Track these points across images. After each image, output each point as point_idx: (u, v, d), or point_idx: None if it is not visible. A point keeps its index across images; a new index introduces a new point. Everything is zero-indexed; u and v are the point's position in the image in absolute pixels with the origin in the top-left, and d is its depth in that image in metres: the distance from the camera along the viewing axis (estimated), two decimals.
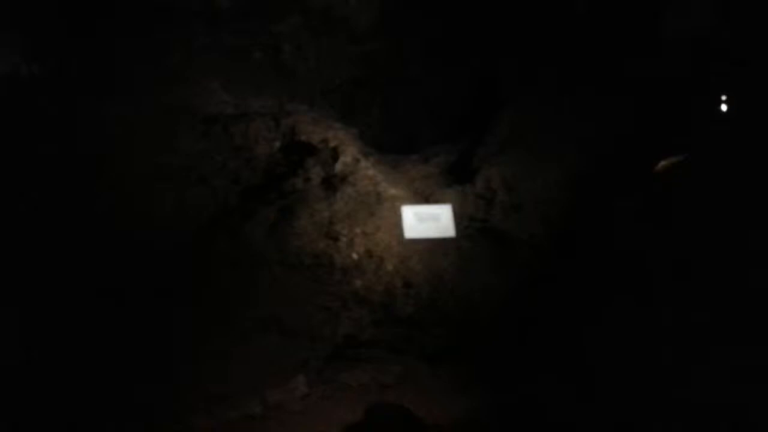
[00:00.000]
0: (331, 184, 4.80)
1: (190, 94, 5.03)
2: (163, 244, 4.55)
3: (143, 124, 4.75)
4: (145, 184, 4.70)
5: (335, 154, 4.91)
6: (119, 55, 4.96)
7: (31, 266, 4.39)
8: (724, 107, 4.82)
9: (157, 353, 4.12)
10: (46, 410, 3.87)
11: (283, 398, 4.15)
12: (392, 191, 4.81)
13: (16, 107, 4.48)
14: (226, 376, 4.12)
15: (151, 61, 5.03)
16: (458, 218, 4.77)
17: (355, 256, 4.60)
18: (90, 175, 4.64)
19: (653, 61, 5.11)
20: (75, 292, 4.36)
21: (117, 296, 4.41)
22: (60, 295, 4.34)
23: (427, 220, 4.73)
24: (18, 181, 4.53)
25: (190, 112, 4.98)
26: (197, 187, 4.76)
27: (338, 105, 5.51)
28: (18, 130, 4.48)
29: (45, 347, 4.13)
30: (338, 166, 4.86)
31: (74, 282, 4.40)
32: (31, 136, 4.51)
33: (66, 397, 3.92)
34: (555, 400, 4.17)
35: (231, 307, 4.39)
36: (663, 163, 4.66)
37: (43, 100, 4.62)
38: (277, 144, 5.04)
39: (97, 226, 4.62)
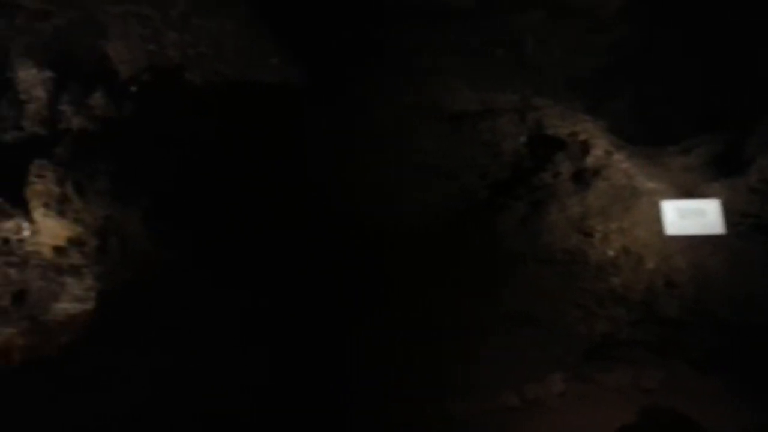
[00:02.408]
0: (583, 178, 4.80)
1: (437, 93, 5.32)
2: (418, 238, 4.85)
3: (396, 123, 5.11)
4: (398, 181, 5.06)
5: (585, 148, 4.90)
6: (370, 59, 5.38)
7: (294, 261, 4.86)
8: None
9: (416, 342, 4.40)
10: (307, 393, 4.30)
11: (541, 394, 4.20)
12: (649, 185, 4.67)
13: (285, 113, 5.03)
14: (482, 367, 4.27)
15: (401, 62, 5.39)
16: (727, 214, 4.49)
17: (611, 252, 4.55)
18: (347, 173, 5.10)
19: None
20: (332, 284, 4.77)
21: (368, 286, 4.77)
22: (316, 289, 4.77)
23: (690, 216, 4.51)
24: (284, 179, 5.10)
25: (438, 110, 5.28)
26: (447, 183, 5.02)
27: (585, 97, 5.45)
28: (286, 134, 5.05)
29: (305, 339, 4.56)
30: (589, 160, 4.83)
31: (332, 275, 4.83)
32: (297, 139, 5.06)
33: (332, 383, 4.32)
34: None
35: (484, 300, 4.56)
36: None
37: (306, 105, 5.17)
38: (523, 139, 5.15)
39: (351, 223, 5.05)
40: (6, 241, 4.30)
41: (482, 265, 4.66)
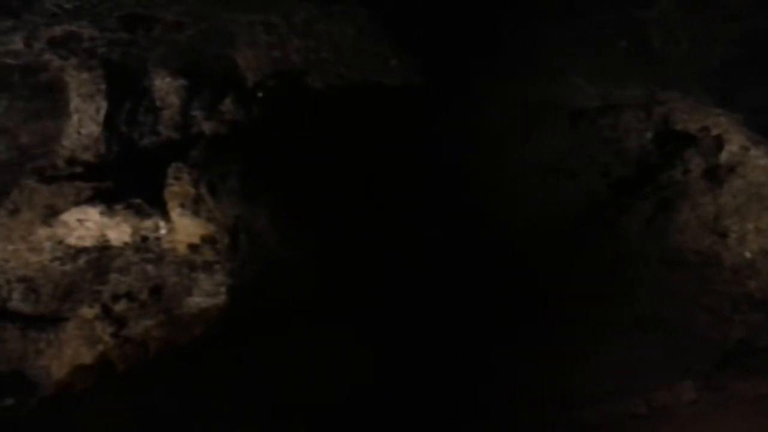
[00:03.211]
0: (716, 175, 4.65)
1: (555, 89, 5.30)
2: (535, 239, 4.86)
3: (515, 120, 5.15)
4: (515, 181, 5.09)
5: (719, 143, 4.74)
6: (491, 53, 5.42)
7: (399, 261, 4.99)
8: None
9: (537, 346, 4.41)
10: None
11: (669, 402, 4.10)
12: None
13: (405, 114, 5.17)
14: (606, 373, 4.23)
15: (517, 58, 5.40)
16: None
17: (747, 254, 4.38)
18: (466, 173, 5.18)
19: None
20: (447, 287, 4.86)
21: (489, 291, 4.82)
22: (431, 291, 4.87)
23: None
24: (404, 181, 5.24)
25: (556, 107, 5.26)
26: (567, 182, 5.01)
27: (718, 90, 5.25)
28: (406, 134, 5.19)
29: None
30: (723, 156, 4.68)
31: (447, 276, 4.92)
32: (417, 140, 5.19)
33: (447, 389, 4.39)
34: None
35: (607, 302, 4.51)
36: None
37: (425, 105, 5.29)
38: (649, 135, 5.05)
39: (471, 220, 5.13)
40: (145, 239, 4.73)
41: (605, 267, 4.60)
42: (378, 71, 5.02)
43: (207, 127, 4.90)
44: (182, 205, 4.48)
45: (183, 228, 4.54)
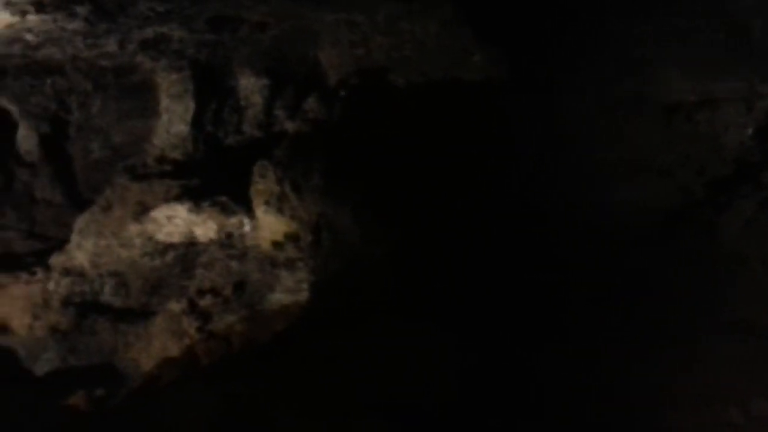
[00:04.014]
0: None
1: (648, 83, 5.22)
2: (626, 238, 4.81)
3: (603, 116, 5.11)
4: (605, 177, 5.04)
5: None
6: (576, 47, 5.40)
7: (479, 259, 5.03)
8: None
9: (630, 350, 4.37)
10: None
11: None
12: None
13: (488, 110, 5.22)
14: (702, 379, 4.15)
15: (608, 51, 5.36)
16: None
17: None
18: (552, 170, 5.18)
19: None
20: (528, 285, 4.87)
21: (574, 290, 4.80)
22: (511, 289, 4.88)
23: None
24: (487, 178, 5.28)
25: (649, 101, 5.17)
26: (660, 180, 4.93)
27: None
28: (489, 131, 5.24)
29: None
30: None
31: (529, 275, 4.92)
32: (501, 136, 5.23)
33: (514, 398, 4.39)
34: None
35: (702, 305, 4.42)
36: None
37: (509, 101, 5.32)
38: (750, 130, 4.91)
39: (556, 218, 5.11)
40: (229, 235, 4.96)
41: (700, 270, 4.50)
42: (461, 67, 5.08)
43: (290, 125, 5.10)
44: (267, 203, 4.68)
45: (267, 225, 4.74)
